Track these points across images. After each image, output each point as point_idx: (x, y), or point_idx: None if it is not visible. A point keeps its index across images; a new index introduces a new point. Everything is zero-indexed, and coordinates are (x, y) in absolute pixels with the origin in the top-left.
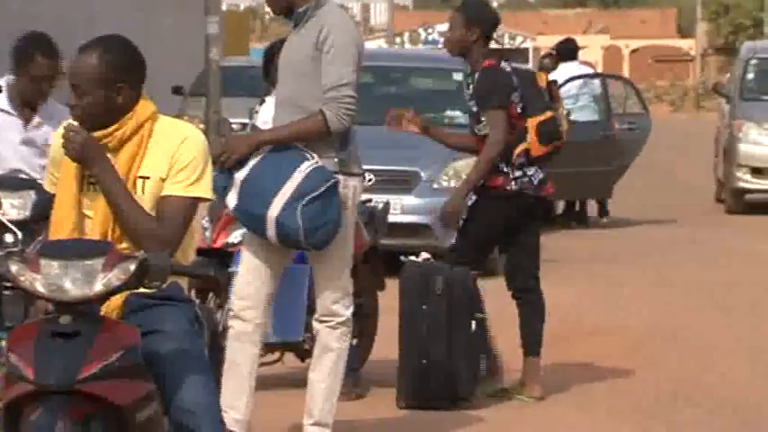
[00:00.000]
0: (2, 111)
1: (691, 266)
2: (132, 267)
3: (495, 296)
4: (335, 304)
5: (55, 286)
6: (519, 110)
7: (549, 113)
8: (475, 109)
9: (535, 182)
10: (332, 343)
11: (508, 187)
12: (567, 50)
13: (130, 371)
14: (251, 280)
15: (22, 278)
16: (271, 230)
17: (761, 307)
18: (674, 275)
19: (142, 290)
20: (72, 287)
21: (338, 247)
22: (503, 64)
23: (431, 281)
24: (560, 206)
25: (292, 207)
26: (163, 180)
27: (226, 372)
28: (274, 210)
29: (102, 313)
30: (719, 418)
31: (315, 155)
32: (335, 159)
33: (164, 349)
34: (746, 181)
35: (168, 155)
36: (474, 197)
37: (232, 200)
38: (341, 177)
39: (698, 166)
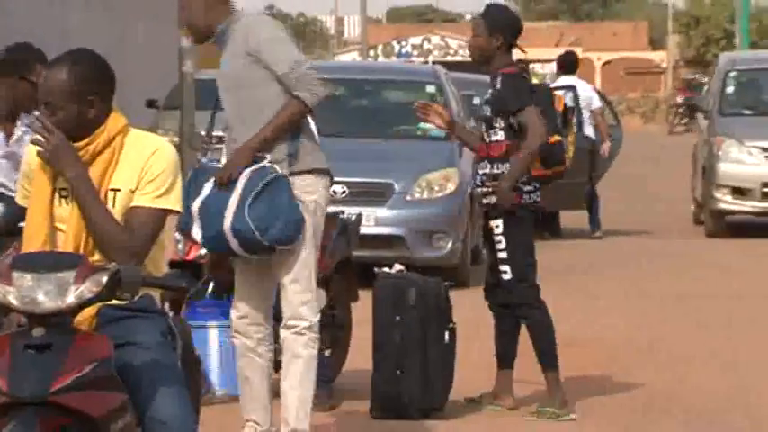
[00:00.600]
0: None
1: (666, 278)
2: (104, 279)
3: (470, 307)
4: (302, 306)
5: (28, 299)
6: None
7: (556, 137)
8: (489, 114)
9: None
10: (299, 350)
11: (523, 201)
12: (568, 63)
13: (104, 382)
14: (247, 298)
15: None
16: (233, 243)
17: (735, 319)
18: (650, 287)
19: (115, 302)
20: (45, 299)
21: (302, 248)
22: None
23: (404, 292)
24: None
25: (241, 212)
26: (132, 192)
27: (240, 387)
28: (227, 221)
29: (74, 325)
30: (694, 429)
31: (266, 155)
32: (286, 155)
33: (137, 361)
34: (727, 202)
35: (138, 167)
36: (499, 224)
37: (197, 232)
38: (294, 177)
39: (672, 180)
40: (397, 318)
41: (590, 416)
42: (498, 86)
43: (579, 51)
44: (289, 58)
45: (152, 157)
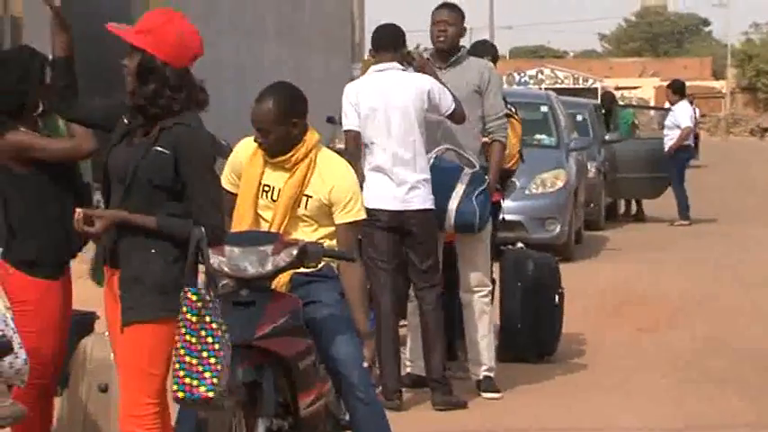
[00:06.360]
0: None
1: (719, 250)
2: (294, 252)
3: (574, 276)
4: (485, 277)
5: (236, 267)
6: None
7: None
8: None
9: None
10: (485, 307)
11: None
12: (679, 88)
13: (294, 331)
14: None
15: (212, 260)
16: (450, 219)
17: None
18: (706, 257)
19: (303, 269)
20: (249, 267)
21: (488, 232)
22: None
23: (524, 264)
24: (622, 207)
25: (469, 198)
26: (324, 202)
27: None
28: (453, 203)
29: (272, 287)
30: (738, 366)
31: (476, 163)
32: (481, 166)
33: (320, 315)
34: None
35: (328, 187)
36: None
37: None
38: None
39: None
40: (519, 284)
41: (661, 355)
42: None
43: (657, 81)
44: (502, 106)
45: (341, 181)
